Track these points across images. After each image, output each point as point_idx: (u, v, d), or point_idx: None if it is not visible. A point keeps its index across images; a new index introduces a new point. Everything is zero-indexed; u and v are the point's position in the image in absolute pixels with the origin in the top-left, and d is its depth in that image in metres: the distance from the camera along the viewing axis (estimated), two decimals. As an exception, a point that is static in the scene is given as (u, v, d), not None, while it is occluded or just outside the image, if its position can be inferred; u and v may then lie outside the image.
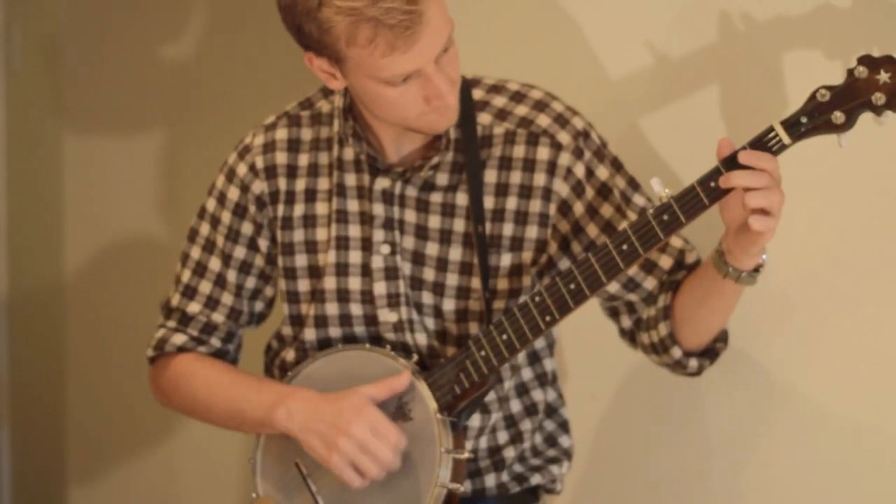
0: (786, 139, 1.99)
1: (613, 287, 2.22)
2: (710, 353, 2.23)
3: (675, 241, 2.21)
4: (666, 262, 2.20)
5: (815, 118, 1.98)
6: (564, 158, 2.19)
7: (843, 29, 2.20)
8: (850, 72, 1.97)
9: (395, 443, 2.14)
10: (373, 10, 2.00)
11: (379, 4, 2.00)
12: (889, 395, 2.27)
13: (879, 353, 2.27)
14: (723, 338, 2.23)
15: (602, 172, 2.21)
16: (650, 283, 2.21)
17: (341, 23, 2.03)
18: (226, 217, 2.29)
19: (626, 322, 2.26)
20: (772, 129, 2.00)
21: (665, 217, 2.04)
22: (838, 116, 1.98)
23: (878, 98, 1.96)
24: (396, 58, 2.03)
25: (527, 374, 2.30)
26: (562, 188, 2.20)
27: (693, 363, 2.21)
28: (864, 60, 1.97)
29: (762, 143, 1.99)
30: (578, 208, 2.20)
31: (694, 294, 2.16)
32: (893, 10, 2.17)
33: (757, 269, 2.08)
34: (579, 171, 2.20)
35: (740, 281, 2.08)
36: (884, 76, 1.96)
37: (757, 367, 2.39)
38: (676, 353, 2.19)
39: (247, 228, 2.29)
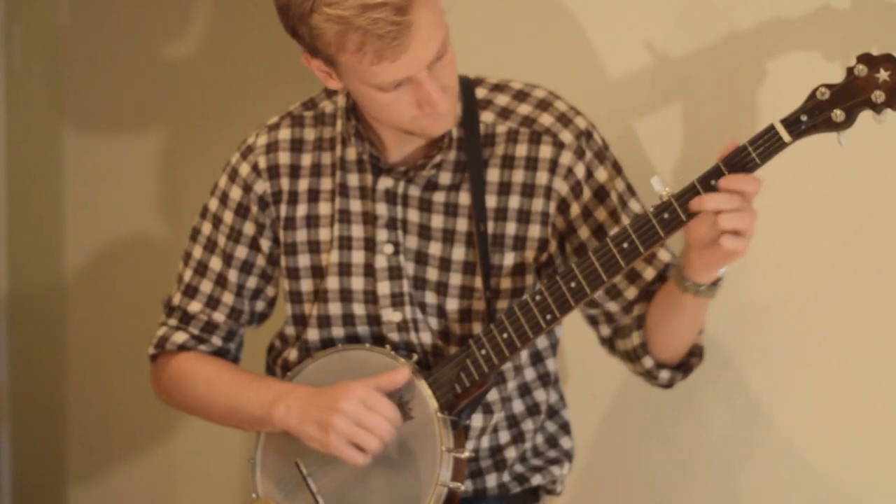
0: (786, 137, 1.99)
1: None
2: (683, 366, 2.23)
3: (664, 255, 2.21)
4: (650, 273, 2.21)
5: (815, 116, 1.99)
6: (566, 158, 2.20)
7: (842, 30, 2.20)
8: (850, 70, 1.98)
9: (389, 414, 2.14)
10: (361, 19, 2.00)
11: (367, 14, 2.00)
12: (884, 397, 2.28)
13: (875, 355, 2.28)
14: (697, 353, 2.23)
15: (601, 174, 2.21)
16: (631, 293, 2.22)
17: (330, 30, 2.03)
18: (228, 217, 2.30)
19: (605, 331, 2.27)
20: (772, 127, 2.00)
21: (665, 215, 2.04)
22: (838, 114, 1.98)
23: (878, 96, 1.96)
24: (385, 66, 2.03)
25: (530, 374, 2.30)
26: (562, 187, 2.20)
27: (664, 375, 2.22)
28: (864, 59, 1.97)
29: (763, 141, 2.00)
30: (575, 209, 2.21)
31: (662, 307, 2.17)
32: (892, 10, 2.17)
33: (715, 283, 2.09)
34: (580, 171, 2.20)
35: (699, 294, 2.09)
36: (883, 74, 1.96)
37: (754, 369, 2.39)
38: (648, 362, 2.21)
39: (249, 228, 2.29)
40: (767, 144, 2.00)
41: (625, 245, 2.07)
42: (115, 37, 3.90)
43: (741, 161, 2.00)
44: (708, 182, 2.02)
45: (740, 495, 2.42)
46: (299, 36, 2.09)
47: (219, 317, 2.32)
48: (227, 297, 2.32)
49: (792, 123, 2.00)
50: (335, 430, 2.14)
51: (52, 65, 3.97)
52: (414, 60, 2.04)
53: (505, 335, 2.14)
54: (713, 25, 2.36)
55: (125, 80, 3.87)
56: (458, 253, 2.22)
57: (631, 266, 2.10)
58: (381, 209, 2.23)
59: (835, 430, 2.33)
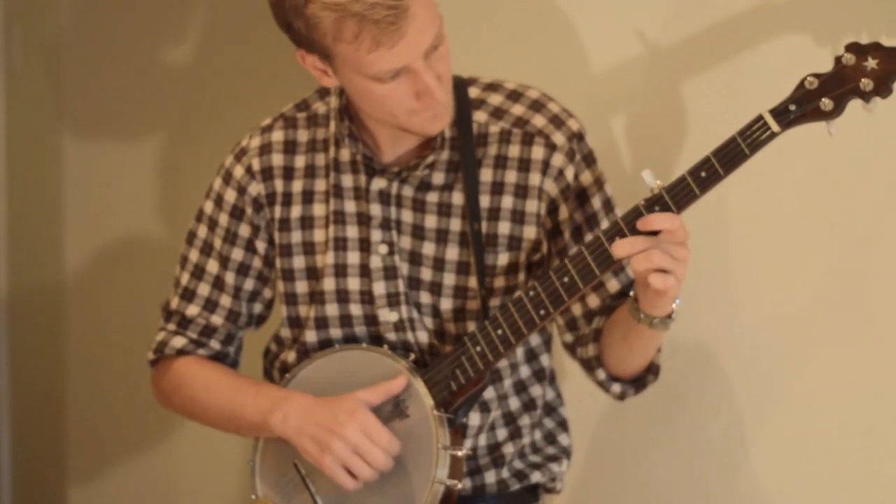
0: (775, 127, 1.99)
1: None
2: (637, 382, 2.24)
3: (630, 271, 2.20)
4: (613, 285, 2.22)
5: (804, 105, 1.99)
6: (557, 160, 2.20)
7: (831, 20, 2.20)
8: (838, 59, 1.98)
9: (388, 446, 2.15)
10: (357, 5, 2.01)
11: (363, 0, 2.00)
12: (883, 396, 2.27)
13: (874, 355, 2.27)
14: (654, 371, 2.24)
15: (586, 178, 2.22)
16: (593, 302, 2.23)
17: (327, 18, 2.03)
18: (223, 219, 2.30)
19: (568, 338, 2.27)
20: (760, 117, 2.00)
21: (657, 209, 2.04)
22: (826, 103, 1.98)
23: (866, 84, 1.96)
24: (382, 53, 2.04)
25: (525, 371, 2.30)
26: (552, 188, 2.20)
27: (616, 388, 2.23)
28: (852, 48, 1.97)
29: (751, 131, 1.99)
30: (563, 211, 2.21)
31: (616, 329, 2.18)
32: (881, 1, 2.17)
33: (669, 316, 2.09)
34: (569, 173, 2.20)
35: (653, 326, 2.09)
36: (871, 63, 1.96)
37: (753, 367, 2.39)
38: (600, 374, 2.22)
39: (244, 230, 2.29)
40: (756, 135, 2.00)
41: (617, 238, 2.06)
42: (115, 38, 3.90)
43: (731, 152, 2.00)
44: (698, 173, 2.02)
45: (739, 493, 2.42)
46: (294, 30, 2.09)
47: (217, 320, 2.32)
48: (225, 300, 2.32)
49: (780, 113, 1.99)
50: (332, 453, 2.15)
51: (52, 65, 3.97)
52: (410, 48, 2.04)
53: (499, 331, 2.14)
54: (703, 17, 2.36)
55: (125, 81, 3.88)
56: (452, 253, 2.22)
57: (619, 265, 2.10)
58: (375, 210, 2.23)
59: (833, 428, 2.33)
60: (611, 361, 2.21)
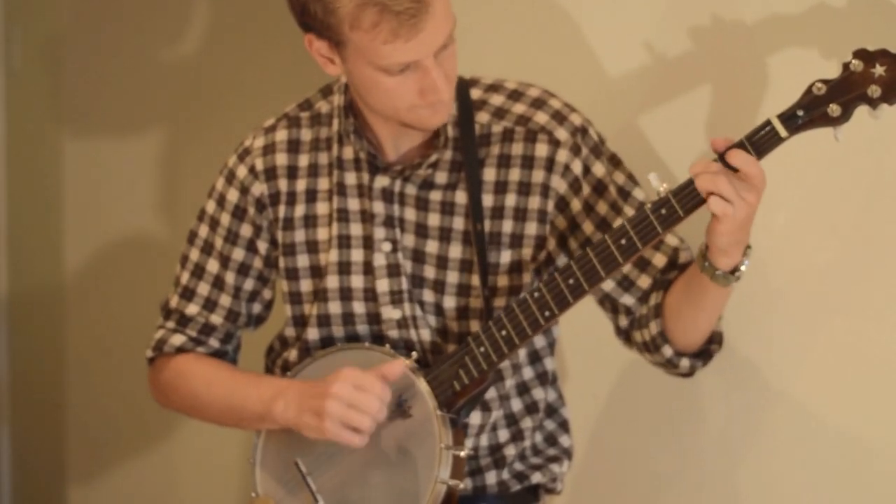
0: (782, 132, 2.00)
1: (609, 286, 2.22)
2: (703, 354, 2.22)
3: (671, 240, 2.21)
4: (660, 260, 2.20)
5: (812, 111, 2.00)
6: (562, 155, 2.20)
7: (839, 27, 2.21)
8: (846, 65, 1.98)
9: (380, 392, 2.14)
10: None
11: None
12: (884, 394, 2.28)
13: (875, 353, 2.27)
14: (717, 340, 2.22)
15: (598, 169, 2.21)
16: (644, 282, 2.21)
17: (347, 5, 2.04)
18: (225, 219, 2.30)
19: (623, 321, 2.25)
20: (769, 122, 2.01)
21: (663, 211, 2.04)
22: (834, 109, 1.99)
23: (874, 91, 1.97)
24: (398, 46, 2.04)
25: (528, 373, 2.30)
26: (559, 185, 2.20)
27: (685, 363, 2.21)
28: (860, 54, 1.98)
29: (759, 136, 2.01)
30: (575, 205, 2.21)
31: (683, 291, 2.16)
32: (888, 6, 2.18)
33: (734, 272, 2.08)
34: (576, 167, 2.20)
35: (714, 279, 2.07)
36: (879, 69, 1.97)
37: (754, 367, 2.39)
38: (667, 351, 2.19)
39: (245, 230, 2.29)
40: (764, 139, 2.00)
41: (623, 241, 2.07)
42: (115, 37, 3.90)
43: None
44: None
45: (740, 493, 2.42)
46: (309, 14, 2.08)
47: (216, 319, 2.33)
48: (225, 300, 2.32)
49: (788, 118, 2.00)
50: (329, 415, 2.13)
51: (52, 65, 3.97)
52: (425, 43, 2.05)
53: (504, 332, 2.14)
54: (711, 23, 2.36)
55: (125, 81, 3.87)
56: (455, 251, 2.22)
57: (638, 256, 2.09)
58: (378, 207, 2.23)
59: (833, 428, 2.33)
60: (677, 333, 2.17)
